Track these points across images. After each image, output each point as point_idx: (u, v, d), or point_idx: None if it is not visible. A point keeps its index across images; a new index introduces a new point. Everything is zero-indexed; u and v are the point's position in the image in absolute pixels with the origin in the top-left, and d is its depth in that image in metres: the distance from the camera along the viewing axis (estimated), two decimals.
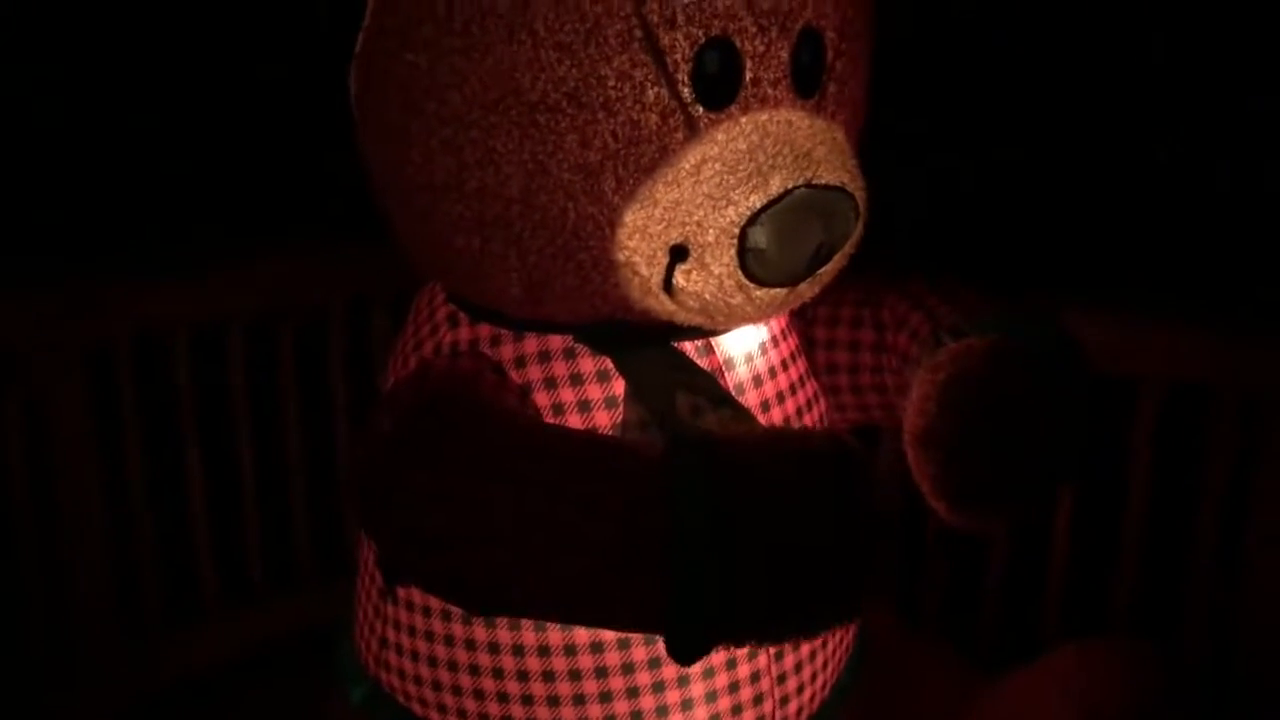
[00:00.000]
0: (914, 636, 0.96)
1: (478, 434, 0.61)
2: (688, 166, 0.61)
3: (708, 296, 0.63)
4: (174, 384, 1.15)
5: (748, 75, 0.62)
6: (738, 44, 0.61)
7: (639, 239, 0.62)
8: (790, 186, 0.60)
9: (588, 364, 0.69)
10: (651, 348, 0.70)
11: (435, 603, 0.73)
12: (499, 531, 0.58)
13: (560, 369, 0.70)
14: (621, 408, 0.69)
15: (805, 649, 0.75)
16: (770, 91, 0.62)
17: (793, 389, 0.75)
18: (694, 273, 0.62)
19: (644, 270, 0.63)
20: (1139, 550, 0.98)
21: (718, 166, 0.61)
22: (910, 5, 1.05)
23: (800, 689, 0.75)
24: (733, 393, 0.71)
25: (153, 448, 1.15)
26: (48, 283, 1.08)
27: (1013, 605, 1.05)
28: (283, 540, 1.25)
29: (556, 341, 0.70)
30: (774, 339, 0.75)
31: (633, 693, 0.71)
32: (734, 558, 0.54)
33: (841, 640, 0.80)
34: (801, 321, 0.81)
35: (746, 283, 0.62)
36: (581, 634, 0.70)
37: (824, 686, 0.78)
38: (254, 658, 1.18)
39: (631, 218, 0.62)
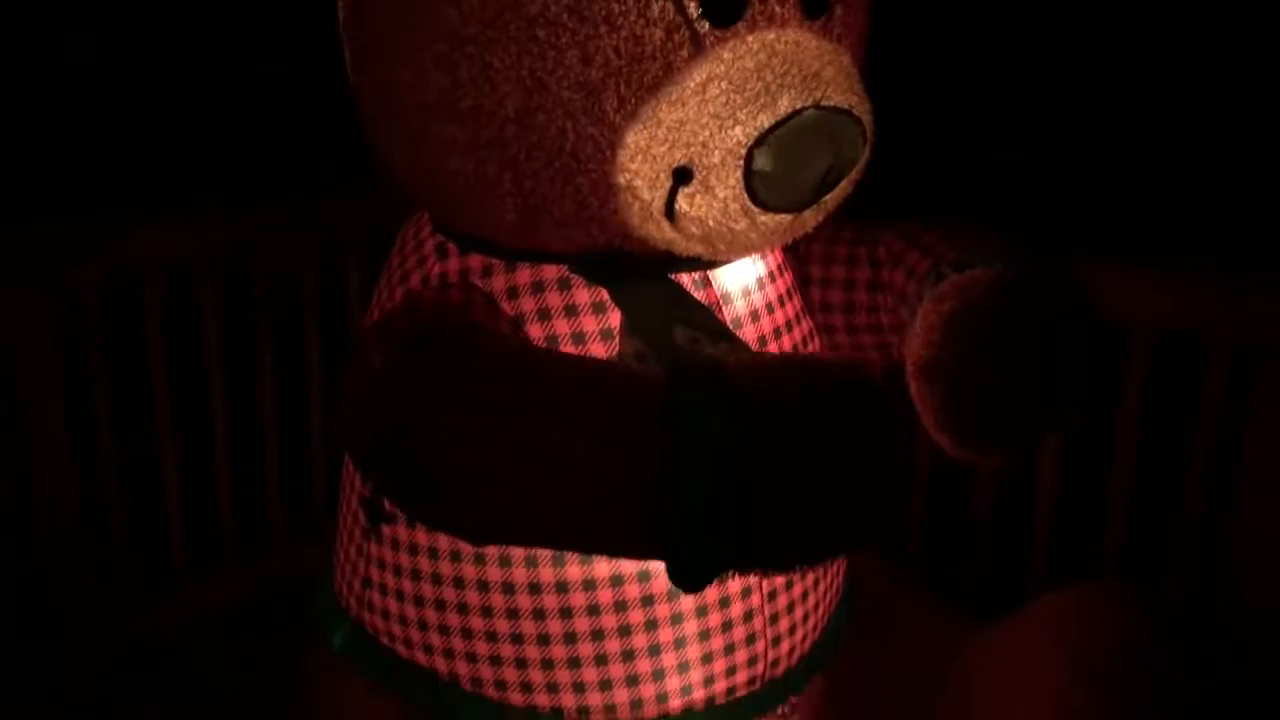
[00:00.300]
0: (902, 581, 0.95)
1: (473, 363, 0.60)
2: (693, 85, 0.59)
3: (711, 222, 0.61)
4: (144, 339, 1.12)
5: None
6: None
7: (641, 161, 0.60)
8: (799, 107, 0.59)
9: (583, 295, 0.68)
10: (648, 279, 0.68)
11: (422, 540, 0.71)
12: (498, 462, 0.56)
13: (554, 300, 0.68)
14: (617, 340, 0.67)
15: (797, 589, 0.75)
16: (778, 10, 0.61)
17: (789, 325, 0.74)
18: (698, 196, 0.60)
19: (645, 194, 0.61)
20: (1126, 495, 0.98)
21: (724, 85, 0.59)
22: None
23: (792, 629, 0.75)
24: (730, 327, 0.70)
25: (121, 407, 1.12)
26: (14, 236, 1.05)
27: (998, 549, 1.05)
28: (253, 497, 1.23)
29: (550, 272, 0.68)
30: (770, 274, 0.74)
31: (625, 630, 0.69)
32: (739, 484, 0.53)
33: (833, 583, 0.79)
34: (795, 259, 0.80)
35: (751, 207, 0.60)
36: (574, 571, 0.69)
37: (815, 628, 0.77)
38: (228, 615, 1.17)
39: (633, 138, 0.60)
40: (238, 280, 1.19)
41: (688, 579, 0.56)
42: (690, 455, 0.53)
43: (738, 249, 0.65)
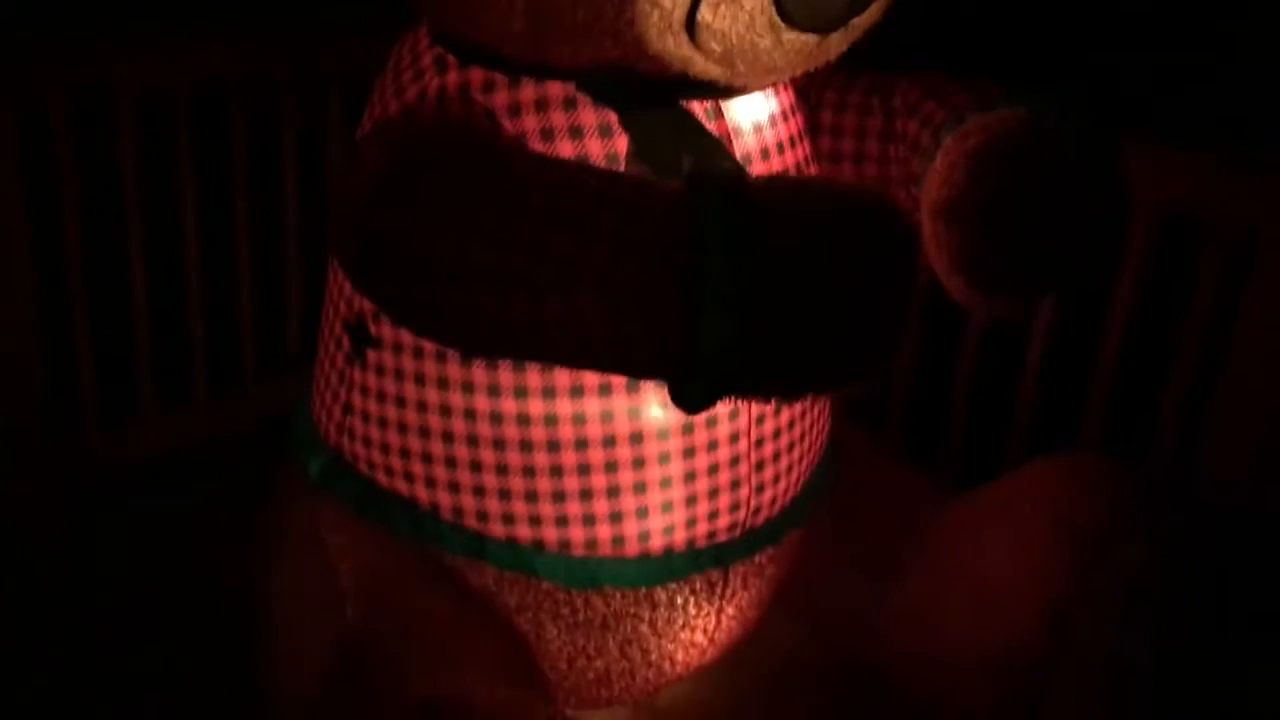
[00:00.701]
0: (883, 448, 0.95)
1: (482, 164, 0.57)
2: None
3: (734, 37, 0.58)
4: (116, 164, 1.08)
5: None
6: None
7: None
8: None
9: (589, 116, 0.65)
10: (659, 104, 0.65)
11: (408, 366, 0.69)
12: (512, 265, 0.54)
13: (559, 120, 0.65)
14: (623, 166, 0.65)
15: (784, 439, 0.74)
16: None
17: (799, 168, 0.72)
18: (722, 6, 0.57)
19: (666, 2, 0.57)
20: (1112, 375, 0.97)
21: None
22: None
23: (776, 479, 0.74)
24: (740, 163, 0.67)
25: (92, 234, 1.08)
26: None
27: (979, 426, 1.05)
28: (226, 334, 1.20)
29: (556, 89, 0.65)
30: (783, 113, 0.71)
31: (611, 467, 0.68)
32: (758, 300, 0.50)
33: (818, 438, 0.79)
34: (807, 105, 0.77)
35: (778, 21, 0.57)
36: (564, 405, 0.67)
37: (798, 481, 0.77)
38: (199, 453, 1.15)
39: None
40: (214, 110, 1.13)
41: (693, 398, 0.54)
42: (709, 265, 0.50)
43: (758, 71, 0.62)
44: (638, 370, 0.58)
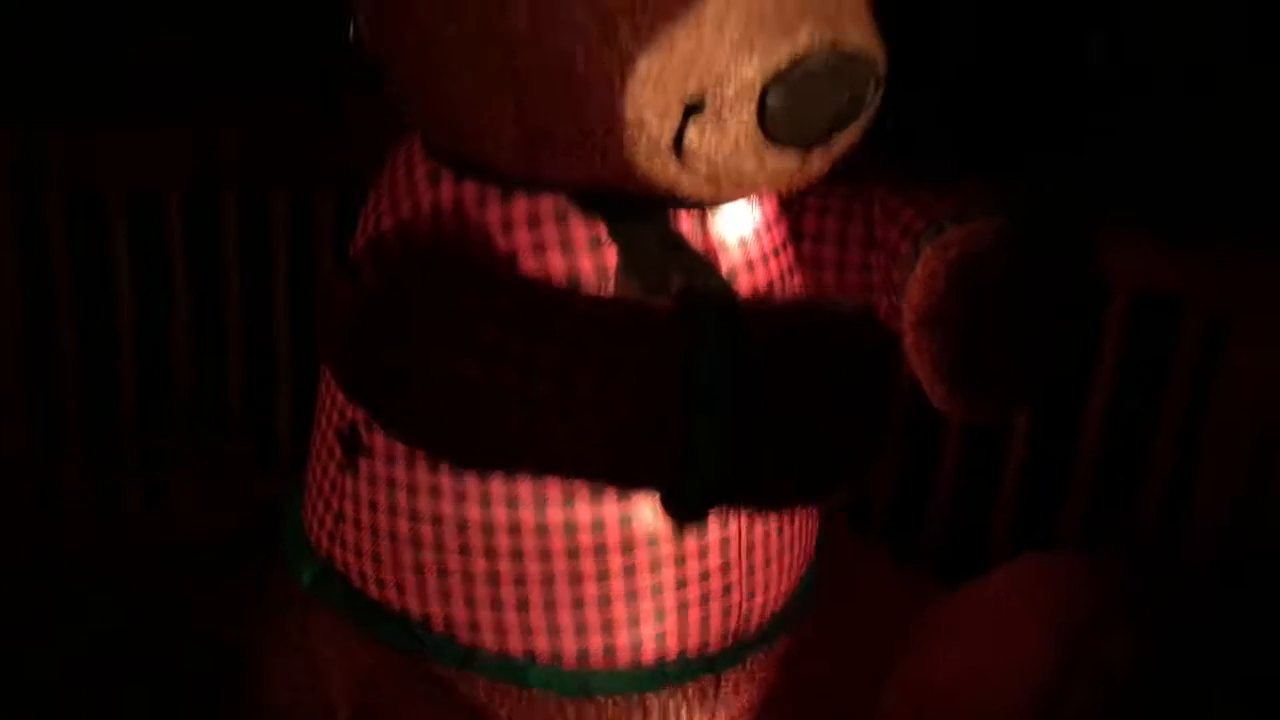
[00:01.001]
0: (868, 546, 0.96)
1: (484, 282, 0.58)
2: (711, 13, 0.58)
3: (719, 159, 0.60)
4: (108, 257, 1.09)
5: None
6: None
7: (652, 90, 0.59)
8: (817, 41, 0.58)
9: (580, 231, 0.66)
10: (647, 218, 0.67)
11: (401, 476, 0.69)
12: (505, 381, 0.55)
13: (550, 234, 0.66)
14: (613, 281, 0.66)
15: (774, 544, 0.74)
16: None
17: (782, 278, 0.73)
18: (709, 129, 0.59)
19: (654, 126, 0.59)
20: (1093, 465, 0.98)
21: (743, 14, 0.57)
22: None
23: (767, 585, 0.74)
24: (727, 280, 0.69)
25: (84, 328, 1.09)
26: None
27: (962, 520, 1.06)
28: (214, 427, 1.20)
29: (547, 204, 0.66)
30: (767, 224, 0.73)
31: (603, 576, 0.69)
32: (751, 416, 0.51)
33: (807, 543, 0.79)
34: (789, 213, 0.79)
35: (762, 144, 0.59)
36: (555, 513, 0.68)
37: (788, 585, 0.77)
38: (186, 547, 1.14)
39: (646, 66, 0.58)
40: (206, 204, 1.15)
41: (687, 510, 0.55)
42: (702, 386, 0.51)
43: (744, 188, 0.64)
44: (632, 484, 0.59)
